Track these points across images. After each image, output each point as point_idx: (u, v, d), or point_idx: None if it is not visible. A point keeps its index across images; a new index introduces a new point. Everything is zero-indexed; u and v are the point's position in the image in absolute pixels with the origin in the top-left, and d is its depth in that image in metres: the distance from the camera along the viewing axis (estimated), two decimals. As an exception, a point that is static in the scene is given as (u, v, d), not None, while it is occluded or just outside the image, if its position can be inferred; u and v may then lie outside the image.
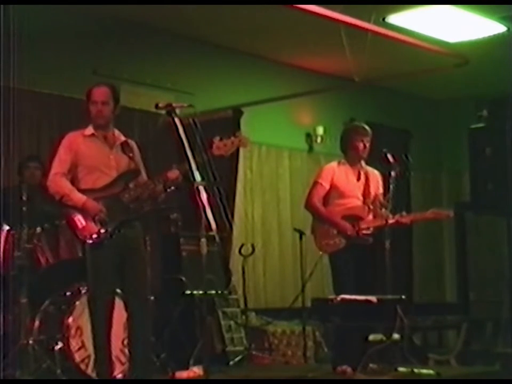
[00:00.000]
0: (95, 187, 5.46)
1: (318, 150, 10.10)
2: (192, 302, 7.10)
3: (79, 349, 6.02)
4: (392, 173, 6.53)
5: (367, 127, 6.74)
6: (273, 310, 8.87)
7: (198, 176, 4.97)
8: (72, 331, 6.02)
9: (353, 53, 7.71)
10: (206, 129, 5.15)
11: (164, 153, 7.65)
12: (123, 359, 6.01)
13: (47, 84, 7.63)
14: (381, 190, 6.77)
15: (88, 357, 5.96)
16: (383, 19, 7.77)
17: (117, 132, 5.65)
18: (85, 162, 5.49)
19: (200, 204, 4.89)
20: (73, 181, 5.50)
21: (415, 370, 6.31)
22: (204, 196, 4.90)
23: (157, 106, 5.23)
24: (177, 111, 5.18)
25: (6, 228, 6.34)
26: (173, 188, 5.43)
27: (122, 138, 5.65)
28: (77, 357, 5.99)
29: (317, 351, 8.48)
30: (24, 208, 6.12)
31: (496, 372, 7.29)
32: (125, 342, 5.84)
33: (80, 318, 6.02)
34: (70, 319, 6.05)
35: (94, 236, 5.34)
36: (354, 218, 6.58)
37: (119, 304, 5.59)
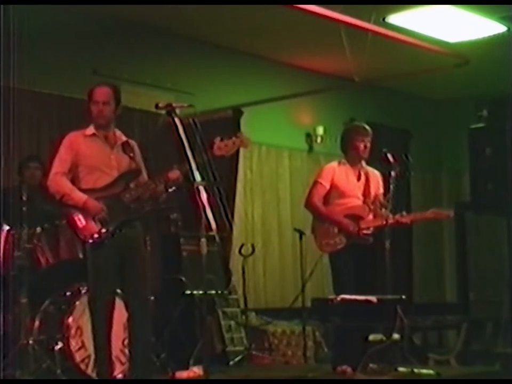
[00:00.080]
0: (95, 187, 5.46)
1: (318, 150, 10.10)
2: (192, 302, 7.10)
3: (79, 349, 6.02)
4: (392, 173, 6.53)
5: (367, 127, 6.74)
6: (273, 310, 8.87)
7: (198, 176, 4.97)
8: (72, 331, 6.02)
9: (353, 53, 7.71)
10: (206, 129, 5.15)
11: (164, 153, 7.65)
12: (123, 359, 6.01)
13: (47, 84, 7.63)
14: (381, 190, 6.77)
15: (88, 357, 5.97)
16: (383, 19, 7.77)
17: (118, 132, 5.65)
18: (86, 162, 5.49)
19: (200, 204, 4.89)
20: (74, 181, 5.50)
21: (415, 370, 6.31)
22: (203, 196, 4.90)
23: (157, 106, 5.23)
24: (177, 111, 5.18)
25: (6, 228, 6.34)
26: (174, 188, 5.43)
27: (124, 138, 5.65)
28: (77, 357, 5.99)
29: (317, 351, 8.48)
30: (24, 208, 6.12)
31: (496, 372, 7.29)
32: (125, 342, 5.84)
33: (80, 318, 6.02)
34: (70, 319, 6.05)
35: (95, 235, 5.34)
36: (355, 218, 6.59)
37: (119, 304, 5.59)
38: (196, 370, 6.58)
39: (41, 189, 6.21)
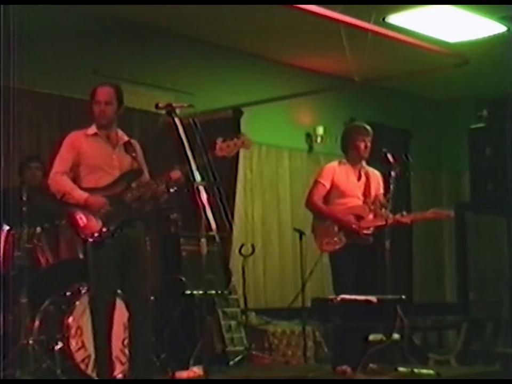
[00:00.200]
0: (97, 186, 5.45)
1: (318, 150, 10.10)
2: (192, 302, 7.10)
3: (79, 349, 6.01)
4: (392, 173, 6.53)
5: (368, 127, 6.74)
6: (273, 310, 8.87)
7: (198, 176, 4.96)
8: (72, 331, 6.02)
9: (353, 53, 7.71)
10: (206, 129, 5.15)
11: (164, 153, 7.63)
12: (123, 359, 6.01)
13: (47, 83, 7.63)
14: (381, 190, 6.77)
15: (88, 357, 5.96)
16: (383, 19, 7.77)
17: (120, 131, 5.65)
18: (87, 161, 5.49)
19: (200, 204, 4.89)
20: (75, 180, 5.49)
21: (415, 370, 6.31)
22: (203, 196, 4.90)
23: (157, 106, 5.22)
24: (177, 111, 5.18)
25: (6, 228, 6.34)
26: (175, 188, 5.42)
27: (126, 138, 5.65)
28: (77, 357, 5.98)
29: (317, 351, 8.48)
30: (24, 208, 6.12)
31: (496, 372, 7.29)
32: (125, 342, 5.84)
33: (80, 318, 6.02)
34: (70, 319, 6.04)
35: (96, 234, 5.33)
36: (355, 218, 6.59)
37: (119, 304, 5.58)
38: (196, 370, 6.58)
39: (42, 189, 6.21)
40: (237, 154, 8.13)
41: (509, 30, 8.18)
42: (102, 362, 5.45)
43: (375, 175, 6.82)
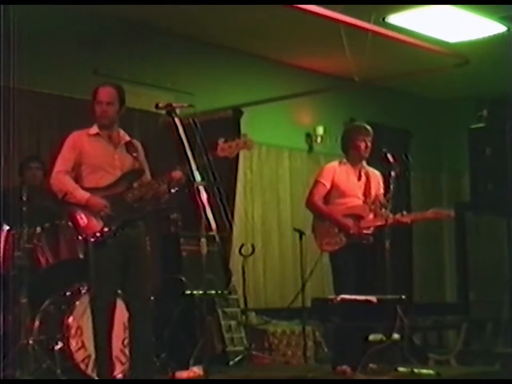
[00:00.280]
0: (98, 186, 5.46)
1: (318, 150, 10.10)
2: (192, 302, 7.10)
3: (79, 349, 6.01)
4: (392, 173, 6.54)
5: (368, 127, 6.74)
6: (273, 309, 8.87)
7: (198, 176, 4.96)
8: (72, 331, 6.02)
9: (353, 53, 7.71)
10: (206, 129, 5.15)
11: (164, 153, 7.64)
12: (123, 359, 6.01)
13: (47, 84, 7.63)
14: (381, 190, 6.78)
15: (88, 357, 5.96)
16: (383, 19, 7.77)
17: (121, 131, 5.65)
18: (89, 161, 5.49)
19: (200, 204, 4.89)
20: (77, 180, 5.49)
21: (415, 370, 6.31)
22: (204, 196, 4.90)
23: (157, 106, 5.23)
24: (177, 111, 5.18)
25: (6, 227, 6.34)
26: (176, 188, 5.42)
27: (127, 138, 5.65)
28: (77, 357, 5.98)
29: (317, 351, 8.48)
30: (24, 208, 6.12)
31: (496, 372, 7.30)
32: (125, 342, 5.84)
33: (80, 318, 6.02)
34: (70, 319, 6.04)
35: (97, 234, 5.33)
36: (355, 218, 6.60)
37: (119, 304, 5.58)
38: (196, 370, 6.58)
39: (42, 189, 6.20)
40: (237, 154, 8.13)
41: (509, 30, 8.18)
42: (102, 362, 5.45)
43: (375, 175, 6.82)
